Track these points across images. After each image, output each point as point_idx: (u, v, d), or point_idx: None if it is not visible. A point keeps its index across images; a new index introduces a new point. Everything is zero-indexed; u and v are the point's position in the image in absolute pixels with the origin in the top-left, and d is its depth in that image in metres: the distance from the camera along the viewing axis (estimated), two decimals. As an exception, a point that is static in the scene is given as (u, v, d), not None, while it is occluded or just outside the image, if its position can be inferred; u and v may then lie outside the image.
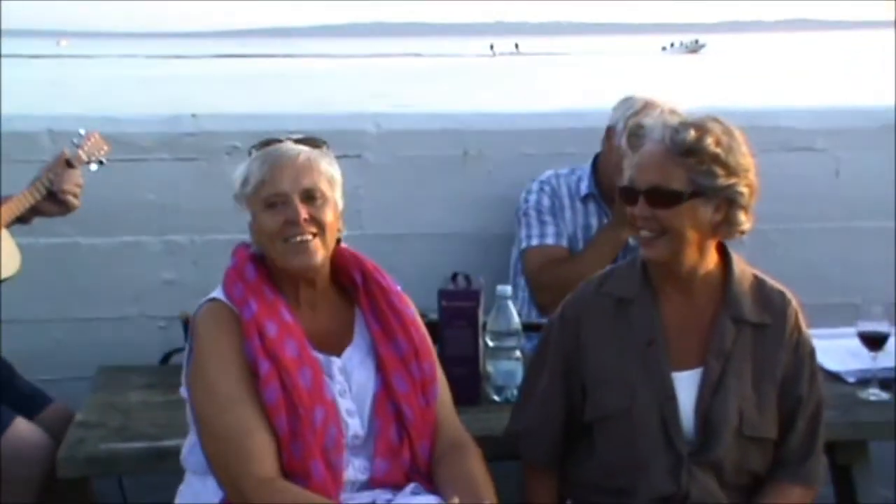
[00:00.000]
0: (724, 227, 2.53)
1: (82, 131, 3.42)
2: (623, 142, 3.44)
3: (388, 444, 2.49)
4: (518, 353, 3.03)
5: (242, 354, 2.41)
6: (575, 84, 41.12)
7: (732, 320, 2.58)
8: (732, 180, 2.48)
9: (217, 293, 2.51)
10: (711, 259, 2.59)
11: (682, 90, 27.27)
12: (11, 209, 3.23)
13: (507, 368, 3.02)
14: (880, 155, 4.16)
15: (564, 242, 3.71)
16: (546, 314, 3.15)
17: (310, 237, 2.46)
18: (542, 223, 3.71)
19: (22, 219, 3.29)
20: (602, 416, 2.60)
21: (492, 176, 4.03)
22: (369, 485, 2.49)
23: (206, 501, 2.47)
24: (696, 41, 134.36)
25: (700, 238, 2.53)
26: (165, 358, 3.51)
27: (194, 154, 3.89)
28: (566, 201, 3.75)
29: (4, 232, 3.27)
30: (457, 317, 3.00)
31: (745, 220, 2.53)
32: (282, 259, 2.48)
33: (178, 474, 2.61)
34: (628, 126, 3.46)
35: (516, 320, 3.01)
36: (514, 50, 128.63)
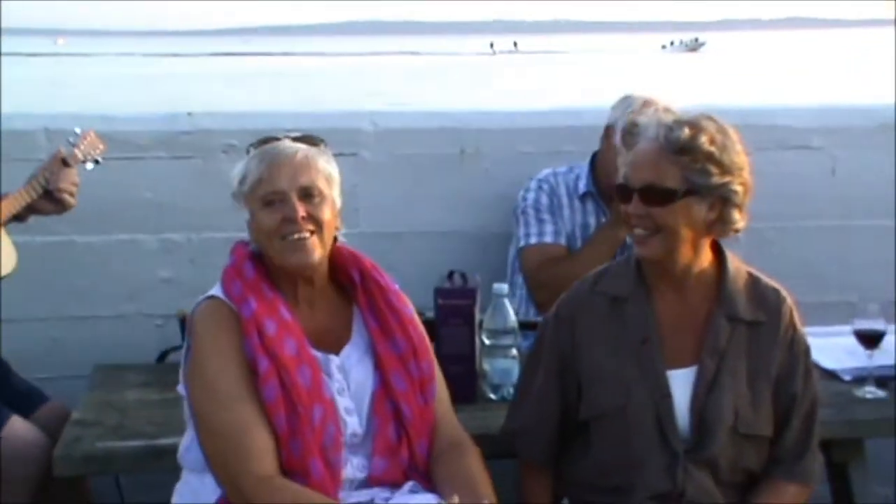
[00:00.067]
0: (719, 226, 2.53)
1: (78, 130, 3.42)
2: (618, 140, 3.44)
3: (387, 442, 2.50)
4: (514, 352, 3.03)
5: (241, 352, 2.42)
6: (574, 83, 41.11)
7: (727, 318, 2.58)
8: (726, 179, 2.49)
9: (215, 291, 2.51)
10: (706, 257, 2.59)
11: (681, 88, 27.29)
12: (8, 207, 3.23)
13: (503, 366, 3.02)
14: (877, 153, 4.17)
15: (563, 241, 3.72)
16: (544, 312, 3.15)
17: (307, 235, 2.46)
18: (540, 221, 3.71)
19: (18, 217, 3.29)
20: (597, 415, 2.60)
21: (489, 174, 4.03)
22: (367, 483, 2.49)
23: (203, 499, 2.46)
24: (696, 39, 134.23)
25: (694, 236, 2.53)
26: (162, 356, 3.51)
27: (191, 152, 3.89)
28: (564, 200, 3.75)
29: (1, 230, 3.27)
30: (453, 315, 3.00)
31: (739, 219, 2.54)
32: (279, 257, 2.48)
33: (174, 473, 2.61)
34: (623, 124, 3.46)
35: (512, 318, 3.02)
36: (512, 48, 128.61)
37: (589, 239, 3.69)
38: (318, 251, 2.48)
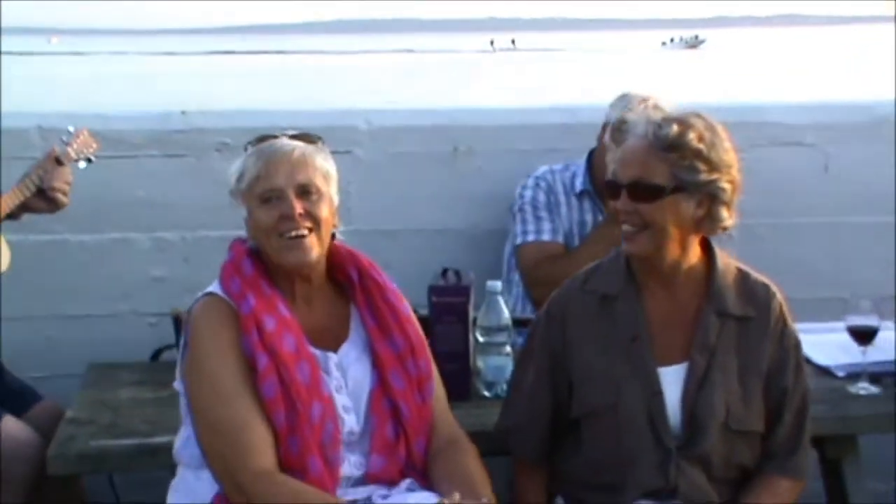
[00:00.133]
0: (707, 223, 2.54)
1: (71, 128, 3.41)
2: (607, 137, 3.45)
3: (385, 440, 2.50)
4: (508, 349, 3.03)
5: (240, 349, 2.42)
6: (573, 81, 41.04)
7: (716, 314, 2.58)
8: (714, 176, 2.49)
9: (213, 287, 2.51)
10: (694, 254, 2.60)
11: (679, 86, 27.29)
12: (1, 206, 3.23)
13: (497, 364, 3.02)
14: (869, 150, 4.17)
15: (560, 239, 3.72)
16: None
17: (305, 232, 2.46)
18: (537, 219, 3.72)
19: (11, 215, 3.28)
20: (588, 413, 2.60)
21: (482, 172, 4.03)
22: (364, 480, 2.49)
23: (200, 495, 2.46)
24: (696, 37, 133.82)
25: (682, 233, 2.53)
26: (156, 355, 3.51)
27: (184, 151, 3.88)
28: (562, 197, 3.75)
29: (-4, 229, 3.27)
30: (447, 312, 3.00)
31: (727, 217, 2.54)
32: (277, 255, 2.48)
33: (168, 471, 2.61)
34: (613, 121, 3.47)
35: (506, 316, 3.02)
36: (510, 46, 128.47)
37: (586, 237, 3.70)
38: (315, 250, 2.48)
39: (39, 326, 3.81)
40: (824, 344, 3.22)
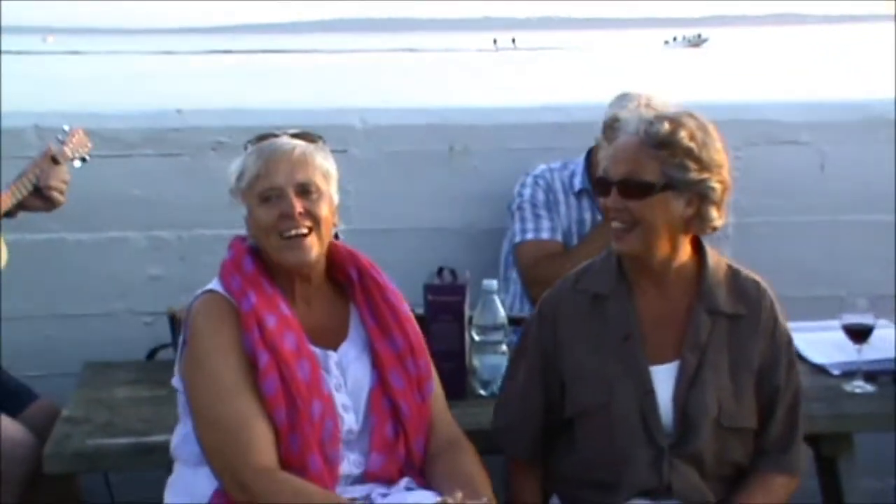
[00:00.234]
0: (696, 223, 2.54)
1: (66, 127, 3.41)
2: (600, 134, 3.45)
3: (384, 439, 2.50)
4: (504, 348, 3.03)
5: (240, 346, 2.42)
6: (573, 80, 41.03)
7: (707, 312, 2.58)
8: (705, 175, 2.49)
9: (213, 285, 2.51)
10: (685, 252, 2.60)
11: (680, 85, 27.27)
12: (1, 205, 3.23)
13: (492, 362, 3.02)
14: (866, 148, 4.17)
15: (559, 237, 3.72)
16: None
17: (305, 231, 2.46)
18: (536, 217, 3.72)
19: (7, 214, 3.28)
20: (581, 412, 2.61)
21: (478, 171, 4.03)
22: (363, 479, 2.50)
23: (197, 492, 2.46)
24: (699, 35, 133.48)
25: (672, 232, 2.53)
26: (151, 353, 3.51)
27: (179, 150, 3.88)
28: (560, 196, 3.76)
29: (-8, 228, 3.27)
30: (443, 311, 3.00)
31: (717, 217, 2.54)
32: (277, 254, 2.48)
33: (164, 470, 2.61)
34: (605, 119, 3.47)
35: (502, 314, 3.02)
36: (511, 45, 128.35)
37: (585, 236, 3.70)
38: (315, 249, 2.48)
39: (35, 325, 3.81)
40: (819, 342, 3.22)
